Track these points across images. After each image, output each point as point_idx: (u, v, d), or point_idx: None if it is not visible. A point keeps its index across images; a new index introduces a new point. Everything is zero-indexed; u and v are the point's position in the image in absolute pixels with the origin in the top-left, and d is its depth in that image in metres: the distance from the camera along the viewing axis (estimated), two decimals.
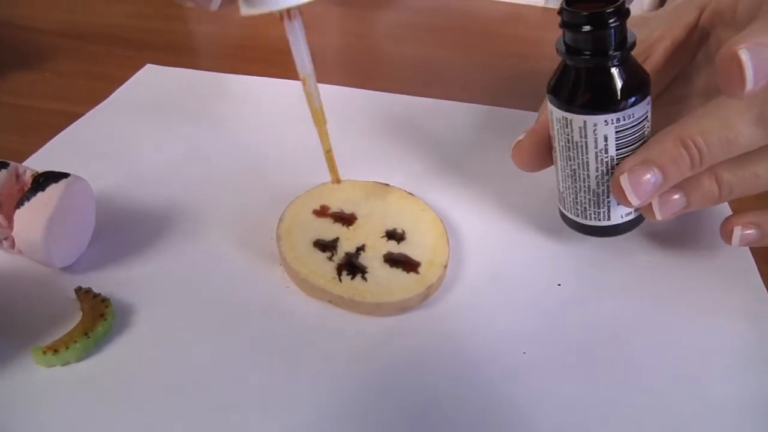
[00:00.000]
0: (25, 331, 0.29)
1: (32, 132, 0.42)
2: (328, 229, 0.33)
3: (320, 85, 0.47)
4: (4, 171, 0.30)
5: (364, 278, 0.30)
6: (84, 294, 0.29)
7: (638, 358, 0.29)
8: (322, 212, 0.34)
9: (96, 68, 0.50)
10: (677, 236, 0.35)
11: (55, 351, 0.27)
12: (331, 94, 0.46)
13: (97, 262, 0.32)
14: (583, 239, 0.34)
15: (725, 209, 0.36)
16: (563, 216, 0.33)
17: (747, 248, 0.34)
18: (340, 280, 0.30)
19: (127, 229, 0.34)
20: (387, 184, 0.36)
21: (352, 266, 0.31)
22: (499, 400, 0.27)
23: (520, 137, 0.33)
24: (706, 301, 0.31)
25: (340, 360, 0.28)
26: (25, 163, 0.38)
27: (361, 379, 0.27)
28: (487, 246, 0.34)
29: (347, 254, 0.31)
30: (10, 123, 0.43)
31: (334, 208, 0.34)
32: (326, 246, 0.32)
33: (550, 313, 0.30)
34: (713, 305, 0.31)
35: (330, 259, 0.31)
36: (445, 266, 0.31)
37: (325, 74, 0.51)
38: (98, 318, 0.28)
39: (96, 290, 0.30)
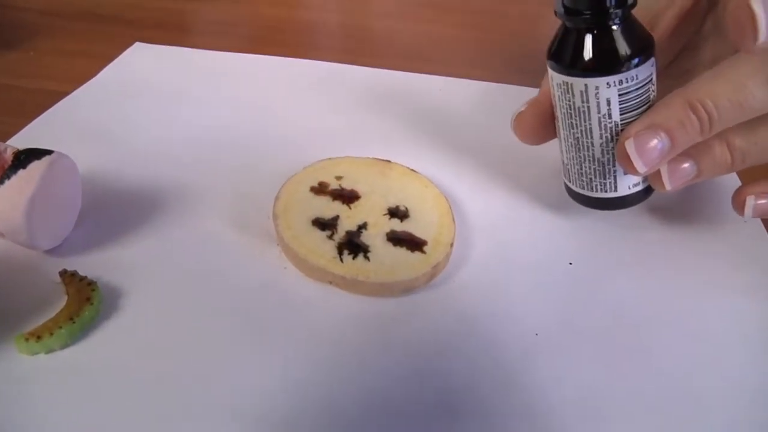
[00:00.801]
0: (6, 318, 0.27)
1: (16, 112, 0.40)
2: (328, 207, 0.31)
3: (318, 62, 0.46)
4: None
5: (366, 257, 0.29)
6: (69, 277, 0.28)
7: (652, 338, 0.27)
8: (320, 189, 0.32)
9: (83, 47, 0.48)
10: (687, 211, 0.34)
11: (39, 338, 0.25)
12: (330, 70, 0.45)
13: (84, 245, 0.31)
14: (591, 215, 0.32)
15: (735, 182, 0.35)
16: (569, 189, 0.31)
17: (759, 220, 0.33)
18: (342, 259, 0.28)
19: (115, 211, 0.33)
20: (388, 161, 0.34)
21: (353, 245, 0.29)
22: (511, 383, 0.25)
23: (521, 108, 0.31)
24: (719, 277, 0.30)
25: (342, 343, 0.26)
26: (8, 143, 0.36)
27: (364, 363, 0.26)
28: (493, 224, 0.33)
29: (348, 233, 0.30)
30: None
31: (333, 185, 0.32)
32: (326, 224, 0.30)
33: (561, 292, 0.29)
34: (726, 281, 0.30)
35: (330, 237, 0.29)
36: (452, 245, 0.30)
37: (323, 51, 0.49)
38: (84, 302, 0.27)
39: (82, 273, 0.28)
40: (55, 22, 0.51)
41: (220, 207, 0.33)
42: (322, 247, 0.29)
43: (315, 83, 0.43)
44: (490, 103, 0.42)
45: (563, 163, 0.31)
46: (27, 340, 0.25)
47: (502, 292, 0.29)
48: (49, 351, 0.26)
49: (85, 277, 0.28)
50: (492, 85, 0.44)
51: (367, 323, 0.27)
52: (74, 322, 0.26)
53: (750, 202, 0.29)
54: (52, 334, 0.25)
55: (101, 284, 0.28)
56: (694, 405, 0.25)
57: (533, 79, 0.44)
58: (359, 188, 0.32)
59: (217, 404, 0.24)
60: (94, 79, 0.43)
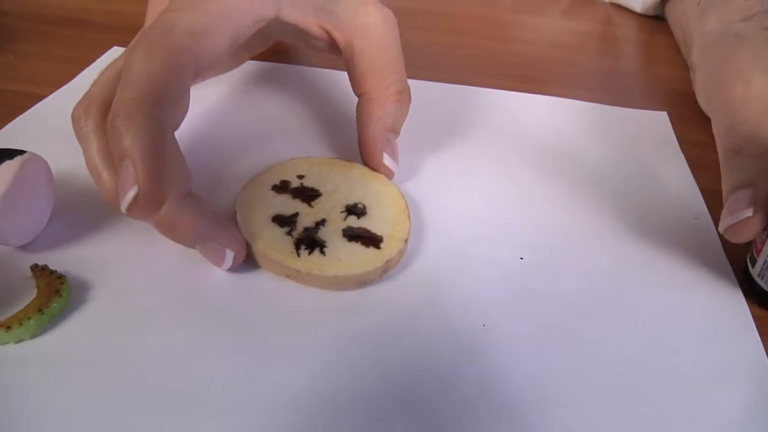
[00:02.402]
0: None
1: None
2: (288, 205, 0.32)
3: (302, 68, 0.47)
4: None
5: (322, 252, 0.30)
6: (40, 271, 0.29)
7: (602, 330, 0.29)
8: (282, 188, 0.33)
9: (61, 51, 0.49)
10: (643, 212, 0.35)
11: (8, 328, 0.27)
12: (309, 75, 0.47)
13: (56, 241, 0.32)
14: (543, 213, 0.34)
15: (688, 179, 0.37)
16: (754, 286, 0.31)
17: (711, 224, 0.35)
18: (299, 254, 0.30)
19: (87, 209, 0.34)
20: (349, 161, 0.36)
21: (310, 241, 0.30)
22: (458, 375, 0.27)
23: (748, 213, 0.28)
24: (669, 274, 0.32)
25: (299, 335, 0.28)
26: None
27: (319, 356, 0.27)
28: (450, 222, 0.34)
29: (306, 229, 0.31)
30: None
31: (295, 183, 0.34)
32: (285, 221, 0.31)
33: (511, 286, 0.31)
34: (677, 278, 0.31)
35: (288, 234, 0.31)
36: (406, 240, 0.31)
37: (306, 57, 0.50)
38: (53, 294, 0.28)
39: (53, 268, 0.29)
40: (36, 27, 0.53)
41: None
42: (281, 243, 0.30)
43: (282, 85, 0.45)
44: (456, 104, 0.44)
45: (765, 262, 0.30)
46: None
47: (454, 286, 0.30)
48: (19, 341, 0.27)
49: (55, 271, 0.29)
50: (459, 87, 0.46)
51: (321, 316, 0.29)
52: (43, 314, 0.27)
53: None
54: (21, 324, 0.27)
55: (71, 278, 0.29)
56: (643, 396, 0.26)
57: (500, 82, 0.46)
58: (321, 187, 0.34)
59: (176, 392, 0.25)
60: (71, 82, 0.44)
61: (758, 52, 0.36)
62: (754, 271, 0.30)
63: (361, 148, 0.35)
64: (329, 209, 0.32)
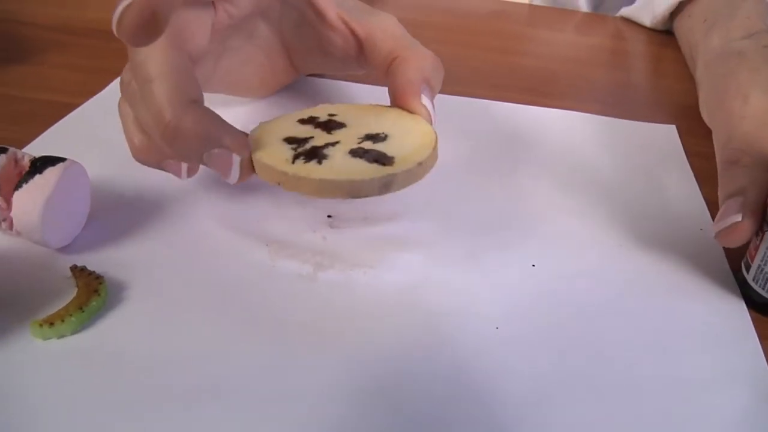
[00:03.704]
0: (22, 307, 0.30)
1: (28, 122, 0.43)
2: (306, 131, 0.31)
3: (314, 79, 0.49)
4: (3, 155, 0.32)
5: (319, 163, 0.28)
6: (79, 272, 0.31)
7: (607, 334, 0.30)
8: (308, 121, 0.32)
9: (89, 61, 0.51)
10: (650, 222, 0.37)
11: (51, 324, 0.28)
12: (323, 88, 0.48)
13: (92, 244, 0.34)
14: (558, 222, 0.35)
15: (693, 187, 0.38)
16: (749, 291, 0.32)
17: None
18: (293, 162, 0.28)
19: (120, 213, 0.36)
20: (387, 106, 0.33)
21: (311, 153, 0.29)
22: (470, 373, 0.28)
23: (737, 218, 0.30)
24: (674, 282, 0.33)
25: (322, 331, 0.30)
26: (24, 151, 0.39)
27: (345, 352, 0.29)
28: (463, 228, 0.36)
29: (313, 147, 0.29)
30: (7, 113, 0.45)
31: (323, 119, 0.32)
32: (295, 140, 0.30)
33: (523, 291, 0.32)
34: (681, 286, 0.33)
35: (294, 150, 0.29)
36: (420, 163, 0.28)
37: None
38: (92, 293, 0.30)
39: (90, 269, 0.31)
40: (66, 39, 0.55)
41: (216, 210, 0.36)
42: (281, 153, 0.29)
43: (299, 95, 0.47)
44: (470, 116, 0.45)
45: (757, 265, 0.31)
46: (41, 325, 0.28)
47: (467, 289, 0.32)
48: (61, 336, 0.29)
49: (94, 271, 0.31)
50: (472, 101, 0.47)
51: (338, 314, 0.30)
52: (83, 311, 0.29)
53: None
54: (63, 321, 0.29)
55: (107, 279, 0.31)
56: (643, 396, 0.28)
57: (513, 94, 0.48)
58: (348, 122, 0.32)
59: (207, 386, 0.27)
60: (102, 92, 0.46)
61: (757, 70, 0.38)
62: (749, 276, 0.32)
63: (394, 94, 0.33)
64: (347, 135, 0.30)
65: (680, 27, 0.57)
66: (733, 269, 0.34)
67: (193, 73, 0.30)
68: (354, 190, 0.27)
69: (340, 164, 0.28)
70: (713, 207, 0.38)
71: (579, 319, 0.31)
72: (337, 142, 0.30)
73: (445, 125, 0.44)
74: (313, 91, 0.47)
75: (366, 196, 0.27)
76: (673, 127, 0.46)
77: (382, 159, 0.28)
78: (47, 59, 0.51)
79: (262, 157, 0.29)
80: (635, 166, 0.42)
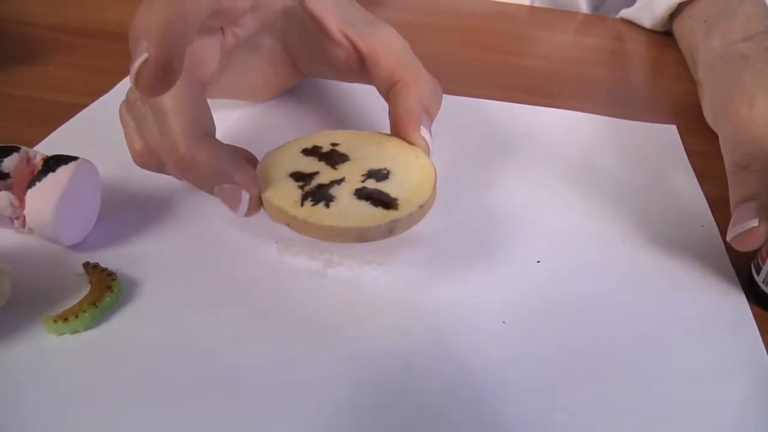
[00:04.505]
0: (36, 304, 0.30)
1: (37, 122, 0.44)
2: (311, 165, 0.32)
3: (317, 81, 0.49)
4: (15, 154, 0.32)
5: (327, 206, 0.29)
6: (92, 268, 0.31)
7: (611, 327, 0.31)
8: (312, 151, 0.33)
9: (97, 62, 0.52)
10: (652, 219, 0.37)
11: (65, 320, 0.29)
12: (329, 89, 0.49)
13: (103, 241, 0.34)
14: (561, 220, 0.36)
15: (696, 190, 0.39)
16: (758, 290, 0.33)
17: (716, 231, 0.37)
18: (302, 204, 0.30)
19: (130, 212, 0.36)
20: (388, 134, 0.35)
21: (318, 194, 0.30)
22: (480, 362, 0.29)
23: (754, 223, 0.30)
24: (676, 277, 0.34)
25: (332, 326, 0.30)
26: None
27: (343, 348, 0.29)
28: (469, 225, 0.36)
29: (319, 185, 0.31)
30: (15, 113, 0.45)
31: (326, 149, 0.33)
32: (302, 177, 0.31)
33: (529, 286, 0.33)
34: (683, 281, 0.34)
35: (301, 188, 0.30)
36: (421, 206, 0.30)
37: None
38: (105, 290, 0.30)
39: (102, 266, 0.32)
40: (72, 40, 0.55)
41: (225, 208, 0.36)
42: (289, 193, 0.30)
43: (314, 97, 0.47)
44: (473, 116, 0.46)
45: (765, 268, 0.32)
46: (55, 321, 0.29)
47: (473, 282, 0.33)
48: (74, 332, 0.29)
49: (106, 268, 0.32)
50: (474, 101, 0.48)
51: (357, 309, 0.31)
52: (96, 307, 0.29)
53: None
54: (77, 316, 0.29)
55: (119, 275, 0.32)
56: (647, 384, 0.28)
57: (514, 95, 0.48)
58: (351, 154, 0.33)
59: (218, 378, 0.28)
60: (110, 92, 0.47)
61: (761, 72, 0.38)
62: (759, 278, 0.32)
63: (394, 123, 0.34)
64: (351, 172, 0.32)
65: (680, 28, 0.58)
66: (734, 264, 0.34)
67: (206, 104, 0.31)
68: (361, 236, 0.29)
69: (347, 208, 0.29)
70: (714, 204, 0.39)
71: (584, 312, 0.31)
72: (342, 179, 0.31)
73: (449, 125, 0.45)
74: (314, 91, 0.48)
75: (372, 240, 0.29)
76: (674, 126, 0.47)
77: (386, 202, 0.30)
78: (53, 60, 0.52)
79: (272, 197, 0.30)
80: (637, 164, 0.42)
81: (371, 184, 0.31)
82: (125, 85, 0.48)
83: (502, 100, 0.48)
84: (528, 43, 0.59)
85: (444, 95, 0.46)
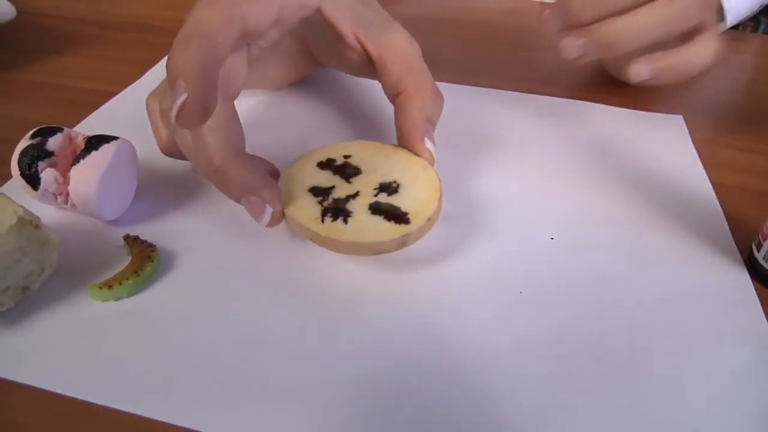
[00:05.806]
0: (80, 273, 0.33)
1: (71, 108, 0.46)
2: (327, 179, 0.34)
3: (330, 71, 0.51)
4: (59, 134, 0.34)
5: (345, 221, 0.32)
6: (132, 240, 0.34)
7: (620, 300, 0.33)
8: (326, 165, 0.35)
9: (126, 53, 0.54)
10: (659, 202, 0.39)
11: (110, 287, 0.31)
12: (342, 82, 0.51)
13: (140, 217, 0.36)
14: (573, 202, 0.38)
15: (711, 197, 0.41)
16: (759, 267, 0.34)
17: (722, 215, 0.38)
18: (323, 220, 0.32)
19: (165, 190, 0.38)
20: (396, 146, 0.37)
21: (336, 210, 0.32)
22: (500, 332, 0.31)
23: None
24: (681, 253, 0.36)
25: (357, 301, 0.32)
26: None
27: (368, 322, 0.31)
28: (481, 207, 0.38)
29: (336, 200, 0.33)
30: (50, 101, 0.47)
31: (339, 162, 0.36)
32: (320, 192, 0.34)
33: (543, 260, 0.35)
34: (688, 257, 0.35)
35: (320, 203, 0.33)
36: (429, 219, 0.32)
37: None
38: (146, 260, 0.32)
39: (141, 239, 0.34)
40: (103, 32, 0.58)
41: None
42: (309, 209, 0.32)
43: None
44: (486, 105, 0.48)
45: (766, 245, 0.34)
46: (100, 288, 0.31)
47: (490, 257, 0.34)
48: (118, 298, 0.31)
49: (146, 240, 0.34)
50: (488, 91, 0.50)
51: (378, 288, 0.33)
52: (138, 275, 0.31)
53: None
54: (120, 284, 0.31)
55: (157, 247, 0.34)
56: (657, 351, 0.30)
57: (527, 85, 0.50)
58: (362, 166, 0.35)
59: (247, 342, 0.30)
60: (140, 79, 0.49)
61: None
62: (759, 255, 0.34)
63: (401, 136, 0.37)
64: (364, 185, 0.34)
65: None
66: (737, 243, 0.36)
67: (238, 120, 0.34)
68: (376, 250, 0.32)
69: (363, 224, 0.32)
70: (718, 188, 0.40)
71: (594, 285, 0.33)
72: (356, 194, 0.34)
73: (469, 114, 0.47)
74: (327, 82, 0.50)
75: (385, 252, 0.32)
76: (681, 117, 0.48)
77: (397, 217, 0.32)
78: (88, 51, 0.54)
79: (295, 214, 0.32)
80: (646, 151, 0.44)
81: (383, 198, 0.33)
82: (153, 74, 0.50)
83: (516, 91, 0.50)
84: (540, 37, 0.61)
85: (464, 86, 0.47)
